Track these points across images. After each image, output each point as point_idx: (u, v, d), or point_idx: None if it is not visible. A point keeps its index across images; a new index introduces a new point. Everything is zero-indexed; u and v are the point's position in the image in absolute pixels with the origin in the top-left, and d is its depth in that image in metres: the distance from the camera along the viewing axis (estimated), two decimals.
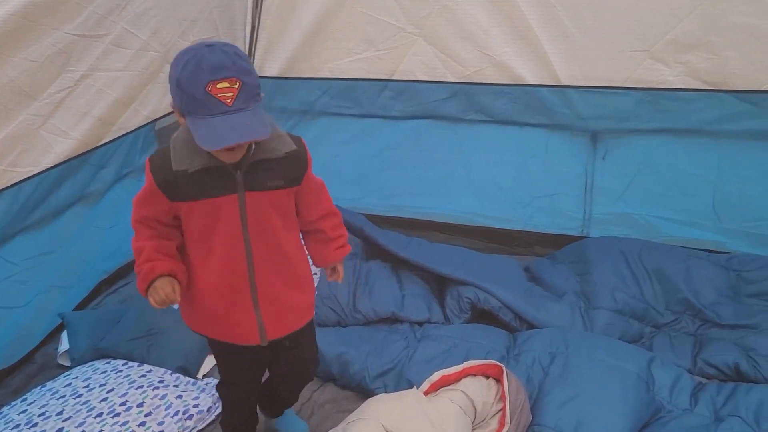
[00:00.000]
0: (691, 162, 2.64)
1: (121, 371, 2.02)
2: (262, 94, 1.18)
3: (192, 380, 2.04)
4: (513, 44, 2.69)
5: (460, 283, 2.39)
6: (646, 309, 2.34)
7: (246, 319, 1.37)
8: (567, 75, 2.66)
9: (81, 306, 2.46)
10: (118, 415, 1.80)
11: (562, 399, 1.77)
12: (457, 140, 2.98)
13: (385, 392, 1.92)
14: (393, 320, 2.34)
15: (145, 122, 2.60)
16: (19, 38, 1.89)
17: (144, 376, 1.99)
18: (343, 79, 3.01)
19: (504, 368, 1.72)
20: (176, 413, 1.85)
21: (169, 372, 2.05)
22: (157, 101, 2.61)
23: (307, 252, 1.50)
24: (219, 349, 1.53)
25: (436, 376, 1.72)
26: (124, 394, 1.88)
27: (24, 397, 1.95)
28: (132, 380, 1.96)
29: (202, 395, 1.93)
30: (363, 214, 2.91)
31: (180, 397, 1.91)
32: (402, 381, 1.98)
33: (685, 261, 2.45)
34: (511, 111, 2.81)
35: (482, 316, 2.36)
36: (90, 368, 2.06)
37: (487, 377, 1.75)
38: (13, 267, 2.11)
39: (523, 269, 2.68)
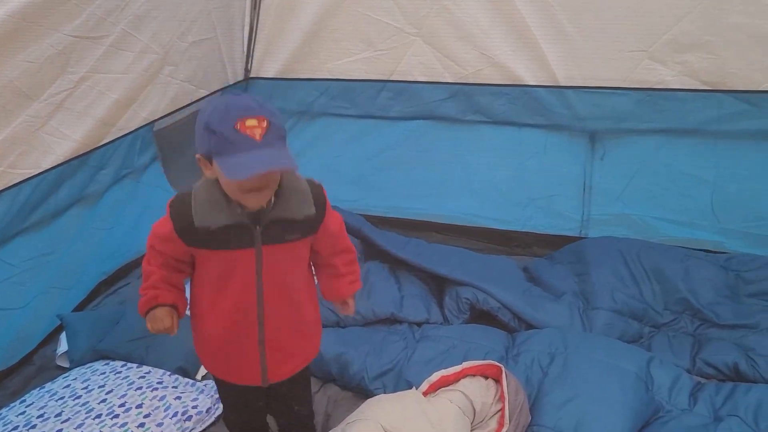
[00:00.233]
0: (690, 162, 2.65)
1: (120, 372, 2.02)
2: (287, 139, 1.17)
3: (191, 381, 2.04)
4: (511, 45, 2.69)
5: (458, 284, 2.39)
6: (644, 309, 2.34)
7: (250, 362, 1.39)
8: (565, 75, 2.67)
9: (80, 307, 2.46)
10: (117, 416, 1.80)
11: (561, 399, 1.77)
12: (456, 141, 2.98)
13: (384, 393, 1.92)
14: (392, 321, 2.34)
15: (144, 123, 2.60)
16: (19, 39, 1.88)
17: (143, 377, 1.99)
18: (342, 80, 3.01)
19: (503, 369, 1.72)
20: (175, 414, 1.84)
21: (168, 373, 2.04)
22: (156, 102, 2.60)
23: (317, 283, 1.51)
24: (220, 384, 1.57)
25: (435, 376, 1.72)
26: (123, 396, 1.88)
27: (22, 398, 1.95)
28: (131, 381, 1.95)
29: (201, 396, 1.93)
30: (361, 214, 2.91)
31: (179, 398, 1.90)
32: (401, 381, 1.98)
33: (683, 261, 2.46)
34: (509, 111, 2.81)
35: (481, 316, 2.36)
36: (89, 369, 2.05)
37: (486, 378, 1.75)
38: (12, 268, 2.10)
39: (521, 270, 2.68)
